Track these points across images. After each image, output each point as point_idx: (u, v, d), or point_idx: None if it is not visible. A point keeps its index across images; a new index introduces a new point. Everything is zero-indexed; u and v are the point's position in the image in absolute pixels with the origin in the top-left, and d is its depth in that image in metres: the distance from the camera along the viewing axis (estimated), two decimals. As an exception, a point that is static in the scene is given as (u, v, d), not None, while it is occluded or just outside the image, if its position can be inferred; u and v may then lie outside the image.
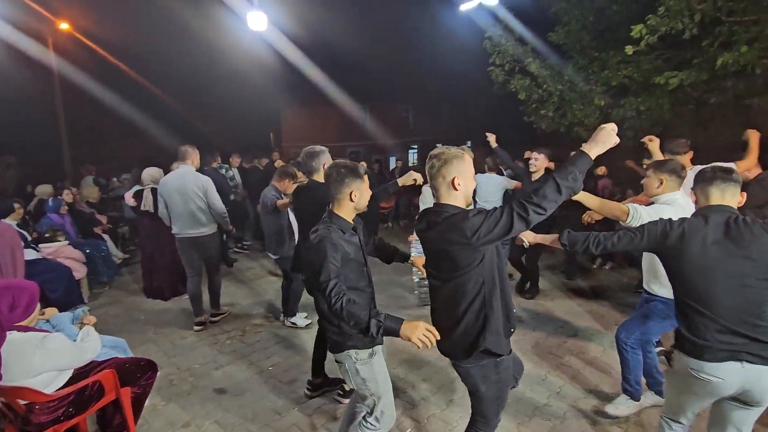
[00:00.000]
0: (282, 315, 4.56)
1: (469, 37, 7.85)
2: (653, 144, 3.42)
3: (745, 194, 2.03)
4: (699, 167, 2.47)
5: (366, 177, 2.13)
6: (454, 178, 1.85)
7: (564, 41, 6.85)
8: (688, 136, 6.00)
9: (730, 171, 1.98)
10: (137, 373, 2.69)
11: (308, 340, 4.16)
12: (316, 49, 12.11)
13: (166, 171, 5.49)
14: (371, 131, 22.78)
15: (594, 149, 1.77)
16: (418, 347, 1.78)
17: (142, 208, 5.13)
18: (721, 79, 5.22)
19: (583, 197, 2.46)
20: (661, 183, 2.60)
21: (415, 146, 24.57)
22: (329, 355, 3.16)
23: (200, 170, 6.94)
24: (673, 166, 2.62)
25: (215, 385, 3.47)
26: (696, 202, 2.06)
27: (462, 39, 8.72)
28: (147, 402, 2.87)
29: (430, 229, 1.89)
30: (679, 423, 2.13)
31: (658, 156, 3.39)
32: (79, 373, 2.51)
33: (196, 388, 3.43)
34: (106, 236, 6.35)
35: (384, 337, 2.08)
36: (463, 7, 6.90)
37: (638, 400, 2.97)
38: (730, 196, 1.94)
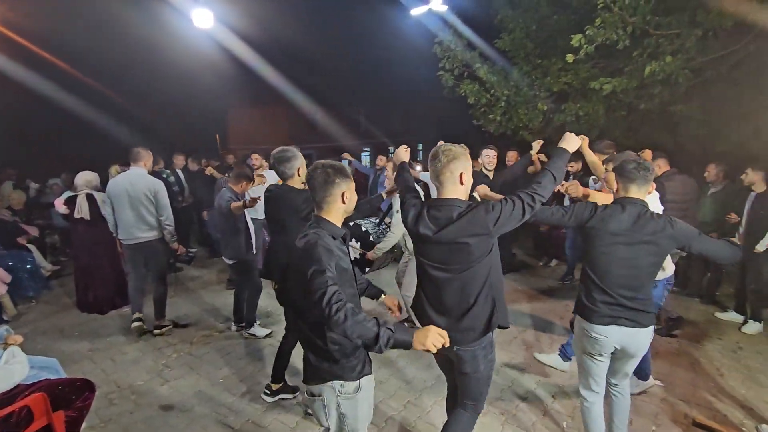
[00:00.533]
0: (234, 324, 4.39)
1: (420, 42, 7.98)
2: (584, 143, 3.59)
3: (654, 185, 2.44)
4: None
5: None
6: (461, 174, 1.96)
7: (509, 48, 7.12)
8: (620, 139, 6.50)
9: (648, 169, 2.29)
10: (72, 395, 2.47)
11: (261, 348, 4.03)
12: (266, 48, 11.75)
13: (103, 175, 5.14)
14: (323, 133, 22.53)
15: (569, 146, 2.22)
16: (434, 352, 1.68)
17: (75, 215, 4.73)
18: (649, 87, 5.62)
19: (585, 190, 2.83)
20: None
21: (368, 149, 24.61)
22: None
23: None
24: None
25: (161, 401, 3.26)
26: (616, 190, 2.36)
27: (413, 44, 8.84)
28: (84, 425, 2.65)
29: (446, 227, 1.93)
30: (592, 391, 2.46)
31: (588, 153, 3.58)
32: (4, 399, 2.27)
33: (140, 407, 3.21)
34: (32, 247, 5.80)
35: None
36: (414, 12, 7.00)
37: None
38: (644, 191, 2.32)
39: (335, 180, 1.87)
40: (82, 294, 4.97)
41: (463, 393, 2.18)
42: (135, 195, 4.00)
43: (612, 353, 2.37)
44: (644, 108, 6.05)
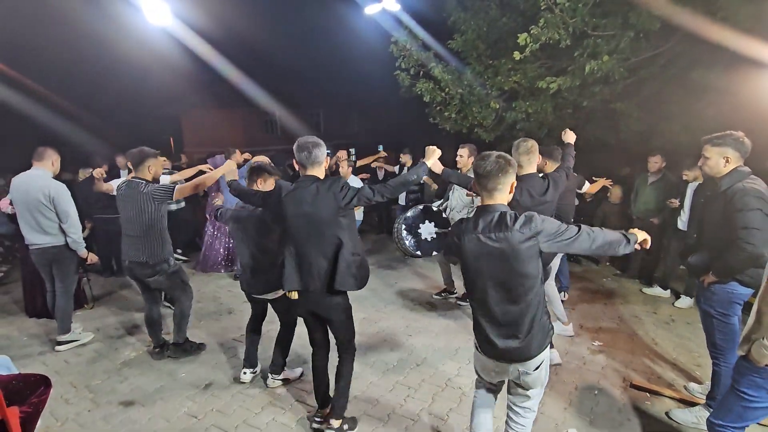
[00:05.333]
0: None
1: (376, 43, 8.11)
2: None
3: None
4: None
5: None
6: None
7: (462, 48, 7.39)
8: (567, 136, 6.90)
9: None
10: (26, 391, 2.40)
11: (224, 343, 4.03)
12: (224, 46, 11.44)
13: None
14: (282, 136, 22.25)
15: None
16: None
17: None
18: (591, 85, 6.04)
19: None
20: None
21: (328, 150, 24.49)
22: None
23: (89, 180, 6.28)
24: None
25: (121, 398, 3.21)
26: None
27: (369, 43, 8.96)
28: (39, 424, 2.57)
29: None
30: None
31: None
32: (-49, 397, 2.18)
33: (99, 405, 3.14)
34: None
35: None
36: (368, 10, 7.10)
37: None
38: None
39: (508, 170, 1.89)
40: (30, 299, 4.75)
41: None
42: (30, 198, 3.69)
43: None
44: (587, 106, 6.47)
